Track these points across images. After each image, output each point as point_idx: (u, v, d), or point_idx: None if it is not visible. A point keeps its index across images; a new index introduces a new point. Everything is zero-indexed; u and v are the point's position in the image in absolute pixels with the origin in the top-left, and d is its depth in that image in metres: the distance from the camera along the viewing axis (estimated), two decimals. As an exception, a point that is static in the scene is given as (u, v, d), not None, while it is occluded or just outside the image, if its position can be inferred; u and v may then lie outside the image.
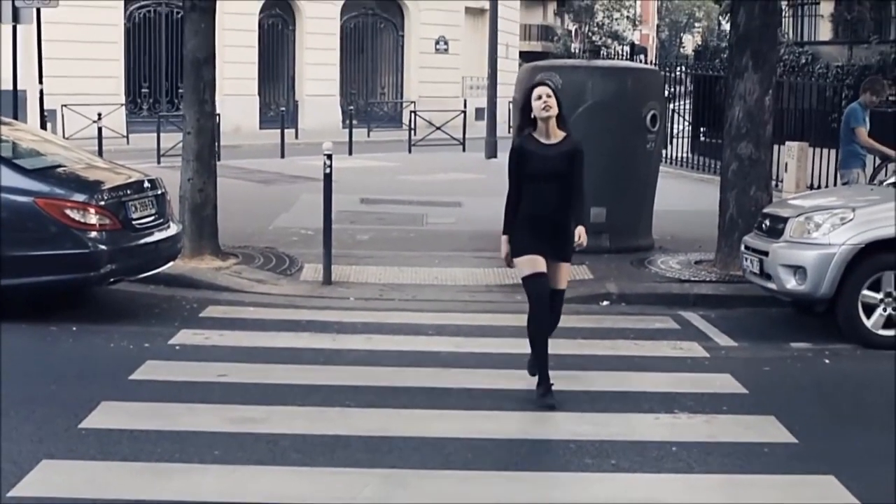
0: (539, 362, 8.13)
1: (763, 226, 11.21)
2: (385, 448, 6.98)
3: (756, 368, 9.41)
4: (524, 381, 8.58)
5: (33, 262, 10.14)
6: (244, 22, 35.34)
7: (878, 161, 15.13)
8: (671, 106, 29.72)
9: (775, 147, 20.01)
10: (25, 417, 7.41)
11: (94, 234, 10.24)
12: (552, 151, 7.90)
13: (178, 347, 9.59)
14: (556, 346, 9.56)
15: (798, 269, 10.36)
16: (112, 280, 10.75)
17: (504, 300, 12.01)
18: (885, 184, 11.95)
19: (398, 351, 9.66)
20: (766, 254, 10.75)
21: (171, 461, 6.65)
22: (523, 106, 8.08)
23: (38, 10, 19.83)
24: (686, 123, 29.12)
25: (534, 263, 7.92)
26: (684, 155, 27.62)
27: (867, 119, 14.44)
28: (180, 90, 34.62)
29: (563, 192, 7.92)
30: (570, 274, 8.37)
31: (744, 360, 9.71)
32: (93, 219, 10.25)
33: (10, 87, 20.27)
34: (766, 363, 9.64)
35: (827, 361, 9.78)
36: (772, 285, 10.74)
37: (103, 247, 10.27)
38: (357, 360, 9.28)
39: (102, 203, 10.36)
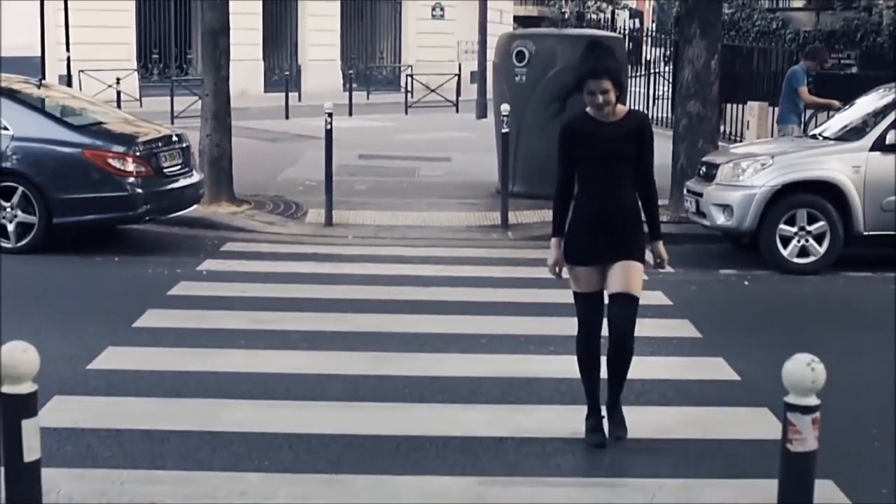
0: (587, 388, 6.77)
1: (701, 171, 13.12)
2: (374, 339, 8.91)
3: (685, 288, 11.32)
4: (488, 295, 10.54)
5: (82, 203, 12.03)
6: (249, -9, 37.06)
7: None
8: (662, 69, 31.51)
9: (739, 106, 22.03)
10: (88, 321, 9.33)
11: (132, 179, 12.14)
12: (613, 131, 6.37)
13: (204, 272, 11.52)
14: (520, 272, 11.60)
15: (726, 208, 12.25)
16: (147, 218, 12.66)
17: (481, 237, 13.97)
18: (808, 135, 13.86)
19: (388, 275, 11.59)
20: (701, 195, 12.65)
21: (208, 348, 8.58)
22: (578, 81, 6.39)
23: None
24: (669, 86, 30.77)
25: (587, 279, 6.51)
26: (665, 115, 29.33)
27: (807, 81, 16.20)
28: (189, 55, 36.81)
29: (630, 180, 6.44)
30: (641, 277, 6.55)
31: (676, 282, 11.60)
32: (131, 166, 12.14)
33: (32, 55, 22.16)
34: (695, 284, 11.56)
35: (746, 283, 11.70)
36: (706, 221, 12.65)
37: (140, 190, 12.18)
38: (354, 281, 11.21)
39: (139, 153, 12.26)
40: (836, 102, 15.60)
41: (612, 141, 6.38)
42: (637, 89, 30.01)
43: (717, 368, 8.35)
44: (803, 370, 3.36)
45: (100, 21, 33.29)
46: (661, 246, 6.74)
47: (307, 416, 7.08)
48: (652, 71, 30.48)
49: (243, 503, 5.76)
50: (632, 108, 6.66)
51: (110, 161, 12.04)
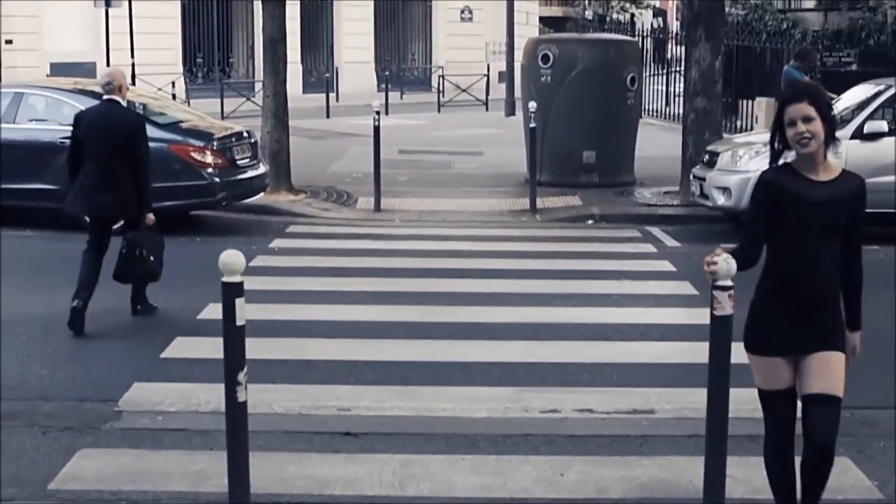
0: None
1: (704, 159, 14.96)
2: (426, 297, 10.82)
3: (688, 258, 13.13)
4: (519, 264, 12.47)
5: (167, 191, 13.89)
6: (287, -3, 38.96)
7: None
8: (681, 68, 33.28)
9: (752, 102, 23.82)
10: (189, 285, 11.23)
11: (210, 169, 14.07)
12: (823, 193, 5.13)
13: (276, 249, 13.46)
14: (547, 246, 13.48)
15: (725, 190, 14.08)
16: (224, 204, 14.60)
17: (512, 219, 15.90)
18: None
19: (433, 249, 13.50)
20: (704, 179, 14.49)
21: (291, 303, 10.50)
22: (779, 112, 5.20)
23: (129, -5, 23.61)
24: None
25: (774, 373, 5.34)
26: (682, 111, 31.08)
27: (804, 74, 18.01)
28: (231, 59, 38.78)
29: (835, 255, 5.23)
30: (844, 372, 5.27)
31: (681, 254, 13.45)
32: (209, 159, 14.07)
33: (86, 60, 24.09)
34: (697, 255, 13.27)
35: (742, 254, 13.51)
36: (709, 203, 14.49)
37: (217, 179, 14.12)
38: (404, 254, 13.13)
39: (216, 147, 14.20)
40: (834, 95, 17.34)
41: (824, 207, 5.11)
42: (658, 87, 31.89)
43: (707, 315, 10.17)
44: (723, 264, 5.16)
45: (148, 28, 35.25)
46: (857, 338, 5.39)
47: (378, 349, 9.00)
48: (672, 69, 32.17)
49: (337, 404, 7.67)
50: (846, 168, 5.35)
51: (192, 154, 13.95)
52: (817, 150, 5.09)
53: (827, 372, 5.17)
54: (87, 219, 10.27)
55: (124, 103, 10.15)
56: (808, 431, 5.22)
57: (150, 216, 10.02)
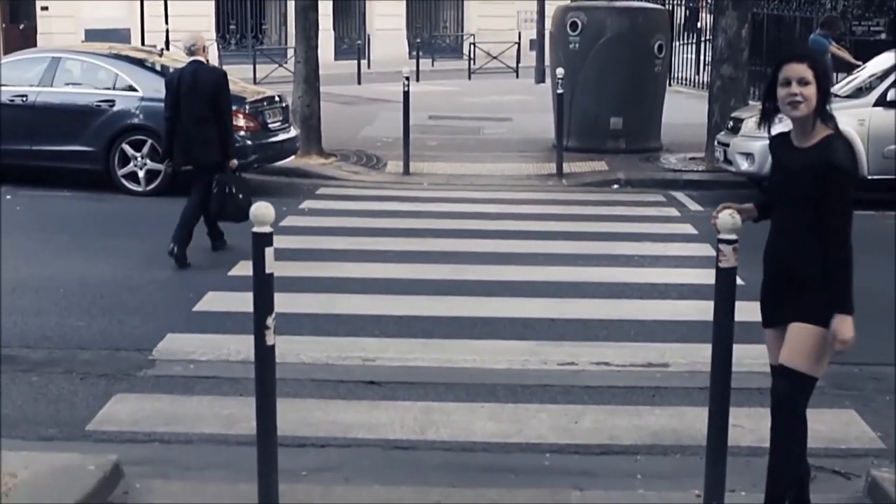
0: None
1: (729, 125, 15.14)
2: (452, 256, 11.08)
3: (710, 222, 13.34)
4: (544, 226, 12.70)
5: (201, 152, 14.26)
6: (320, -37, 39.12)
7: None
8: (709, 37, 33.32)
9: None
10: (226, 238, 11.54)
11: (242, 132, 14.33)
12: (797, 162, 4.95)
13: (306, 210, 13.75)
14: (572, 209, 13.68)
15: (749, 156, 14.26)
16: (255, 166, 14.88)
17: (539, 183, 16.11)
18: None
19: (460, 211, 13.77)
20: (728, 145, 14.67)
21: (321, 261, 10.80)
22: (775, 70, 4.96)
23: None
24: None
25: (769, 346, 5.40)
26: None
27: (835, 45, 18.15)
28: (264, 26, 39.00)
29: (810, 228, 4.98)
30: (814, 346, 5.00)
31: (703, 217, 13.54)
32: (242, 122, 14.33)
33: (121, 27, 24.42)
34: (720, 219, 13.60)
35: (765, 219, 13.74)
36: (733, 168, 14.67)
37: (249, 142, 14.39)
38: (431, 215, 13.40)
39: (248, 111, 14.48)
40: (859, 63, 17.54)
41: (795, 175, 4.96)
42: (688, 55, 31.95)
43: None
44: (727, 218, 5.43)
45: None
46: (840, 323, 4.89)
47: (404, 304, 9.28)
48: (703, 38, 32.19)
49: (362, 355, 7.96)
50: (837, 132, 4.94)
51: (225, 117, 14.22)
52: (806, 116, 4.86)
53: (789, 342, 5.05)
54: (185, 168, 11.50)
55: (206, 62, 11.43)
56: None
57: (234, 161, 11.14)
